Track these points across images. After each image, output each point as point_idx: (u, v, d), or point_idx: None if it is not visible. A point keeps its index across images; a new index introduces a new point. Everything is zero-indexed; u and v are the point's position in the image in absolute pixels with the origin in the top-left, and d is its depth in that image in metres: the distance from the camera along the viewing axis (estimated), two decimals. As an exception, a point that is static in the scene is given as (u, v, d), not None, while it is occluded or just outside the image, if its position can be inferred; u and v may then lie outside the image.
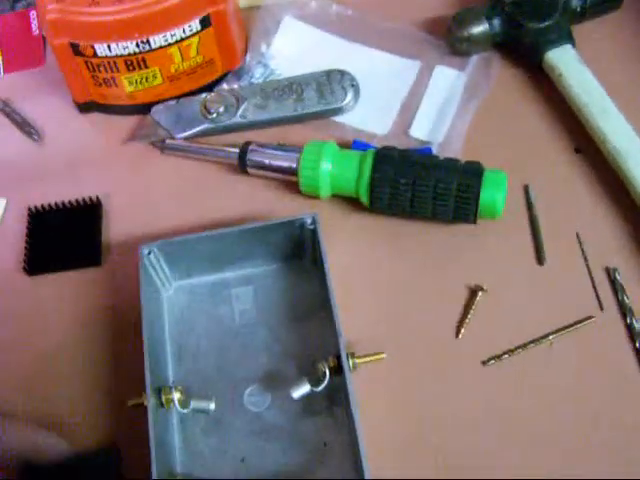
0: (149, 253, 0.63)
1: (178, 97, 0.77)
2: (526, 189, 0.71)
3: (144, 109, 0.77)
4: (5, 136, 0.79)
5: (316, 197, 0.70)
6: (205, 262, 0.66)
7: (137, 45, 0.71)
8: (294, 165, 0.70)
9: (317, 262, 0.65)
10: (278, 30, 0.82)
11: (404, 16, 0.81)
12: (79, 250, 0.71)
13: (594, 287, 0.65)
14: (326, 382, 0.59)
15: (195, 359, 0.64)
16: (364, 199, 0.68)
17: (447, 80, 0.77)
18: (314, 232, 0.64)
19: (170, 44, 0.72)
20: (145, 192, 0.74)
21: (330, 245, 0.63)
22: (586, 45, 0.76)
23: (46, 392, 0.65)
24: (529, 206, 0.70)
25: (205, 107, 0.76)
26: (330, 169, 0.68)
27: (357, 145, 0.73)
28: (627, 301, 0.64)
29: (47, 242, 0.72)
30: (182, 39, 0.72)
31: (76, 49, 0.71)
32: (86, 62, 0.72)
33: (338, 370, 0.58)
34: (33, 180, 0.76)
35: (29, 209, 0.73)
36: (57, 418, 0.63)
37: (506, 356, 0.63)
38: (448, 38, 0.78)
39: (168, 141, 0.76)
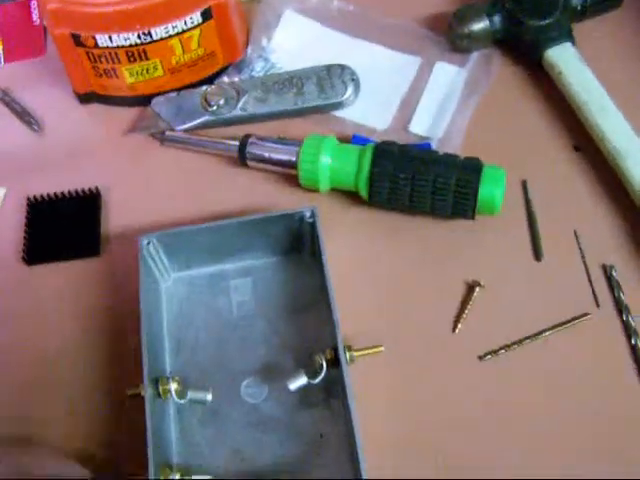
0: (148, 244, 0.64)
1: (179, 89, 0.77)
2: (524, 185, 0.71)
3: (144, 101, 0.77)
4: (5, 126, 0.79)
5: (315, 191, 0.71)
6: (204, 254, 0.67)
7: (138, 36, 0.71)
8: (294, 158, 0.70)
9: (316, 255, 0.65)
10: (279, 24, 0.82)
11: (405, 12, 0.82)
12: (78, 240, 0.71)
13: (591, 284, 0.66)
14: (323, 374, 0.59)
15: (193, 350, 0.65)
16: (363, 193, 0.68)
17: (447, 76, 0.77)
18: (313, 225, 0.64)
19: (171, 36, 0.72)
20: (145, 183, 0.74)
21: (329, 238, 0.64)
22: (586, 43, 0.76)
23: (44, 381, 0.65)
24: (527, 203, 0.70)
25: (205, 99, 0.76)
26: (330, 163, 0.69)
27: (357, 139, 0.73)
28: (623, 298, 0.64)
29: (46, 232, 0.72)
30: (183, 31, 0.72)
31: (77, 39, 0.71)
32: (87, 53, 0.72)
33: (335, 362, 0.59)
34: (33, 170, 0.76)
35: (28, 199, 0.73)
36: (56, 414, 0.64)
37: (502, 351, 0.63)
38: (449, 34, 0.79)
39: (168, 133, 0.76)
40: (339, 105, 0.76)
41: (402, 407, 0.61)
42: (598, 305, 0.65)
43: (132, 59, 0.73)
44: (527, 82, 0.77)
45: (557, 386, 0.62)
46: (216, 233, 0.65)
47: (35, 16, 0.87)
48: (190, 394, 0.61)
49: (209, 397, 0.61)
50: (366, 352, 0.60)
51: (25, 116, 0.79)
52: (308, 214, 0.64)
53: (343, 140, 0.72)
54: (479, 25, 0.76)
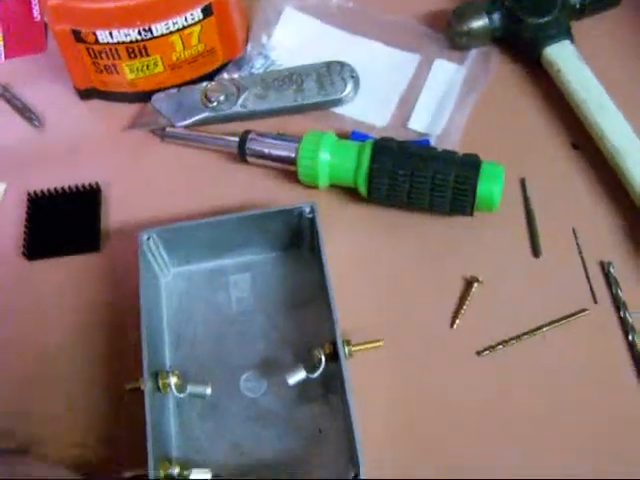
0: (148, 239, 0.64)
1: (179, 85, 0.77)
2: (523, 183, 0.71)
3: (145, 97, 0.77)
4: (5, 121, 0.79)
5: (314, 187, 0.71)
6: (204, 249, 0.67)
7: (139, 33, 0.71)
8: (293, 155, 0.70)
9: (315, 251, 0.66)
10: (279, 21, 0.82)
11: (404, 9, 0.82)
12: (78, 235, 0.71)
13: (588, 280, 0.66)
14: (322, 369, 0.59)
15: (192, 345, 0.65)
16: (362, 189, 0.69)
17: (446, 74, 0.78)
18: (312, 221, 0.65)
19: (172, 32, 0.72)
20: (145, 179, 0.75)
21: (328, 234, 0.64)
22: (585, 41, 0.76)
23: (43, 376, 0.65)
24: (526, 200, 0.70)
25: (206, 96, 0.76)
26: (329, 159, 0.69)
27: (356, 136, 0.74)
28: (621, 294, 0.65)
29: (46, 227, 0.72)
30: (184, 27, 0.72)
31: (78, 36, 0.71)
32: (87, 49, 0.73)
33: (334, 357, 0.59)
34: (33, 165, 0.76)
35: (29, 194, 0.73)
36: (56, 409, 0.64)
37: (500, 347, 0.63)
38: (448, 32, 0.79)
39: (168, 129, 0.76)
40: (338, 102, 0.76)
41: (400, 401, 0.62)
42: (596, 301, 0.65)
43: (132, 55, 0.73)
44: (526, 80, 0.77)
45: (554, 382, 0.62)
46: (216, 228, 0.65)
47: (36, 12, 0.87)
48: (189, 388, 0.61)
49: (208, 391, 0.61)
50: (365, 347, 0.60)
51: (26, 112, 0.79)
52: (307, 210, 0.65)
53: (342, 136, 0.72)
54: (478, 23, 0.77)
